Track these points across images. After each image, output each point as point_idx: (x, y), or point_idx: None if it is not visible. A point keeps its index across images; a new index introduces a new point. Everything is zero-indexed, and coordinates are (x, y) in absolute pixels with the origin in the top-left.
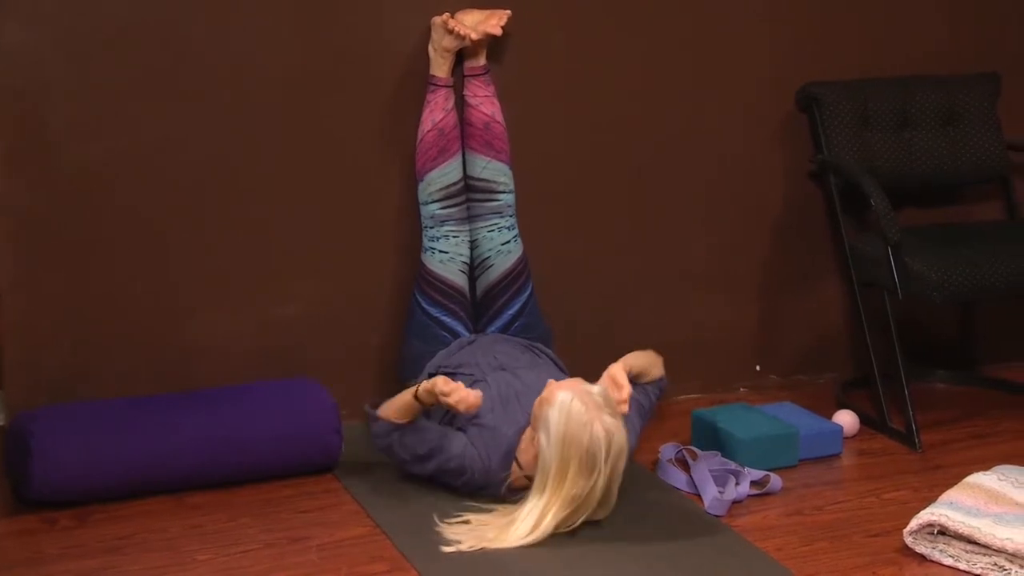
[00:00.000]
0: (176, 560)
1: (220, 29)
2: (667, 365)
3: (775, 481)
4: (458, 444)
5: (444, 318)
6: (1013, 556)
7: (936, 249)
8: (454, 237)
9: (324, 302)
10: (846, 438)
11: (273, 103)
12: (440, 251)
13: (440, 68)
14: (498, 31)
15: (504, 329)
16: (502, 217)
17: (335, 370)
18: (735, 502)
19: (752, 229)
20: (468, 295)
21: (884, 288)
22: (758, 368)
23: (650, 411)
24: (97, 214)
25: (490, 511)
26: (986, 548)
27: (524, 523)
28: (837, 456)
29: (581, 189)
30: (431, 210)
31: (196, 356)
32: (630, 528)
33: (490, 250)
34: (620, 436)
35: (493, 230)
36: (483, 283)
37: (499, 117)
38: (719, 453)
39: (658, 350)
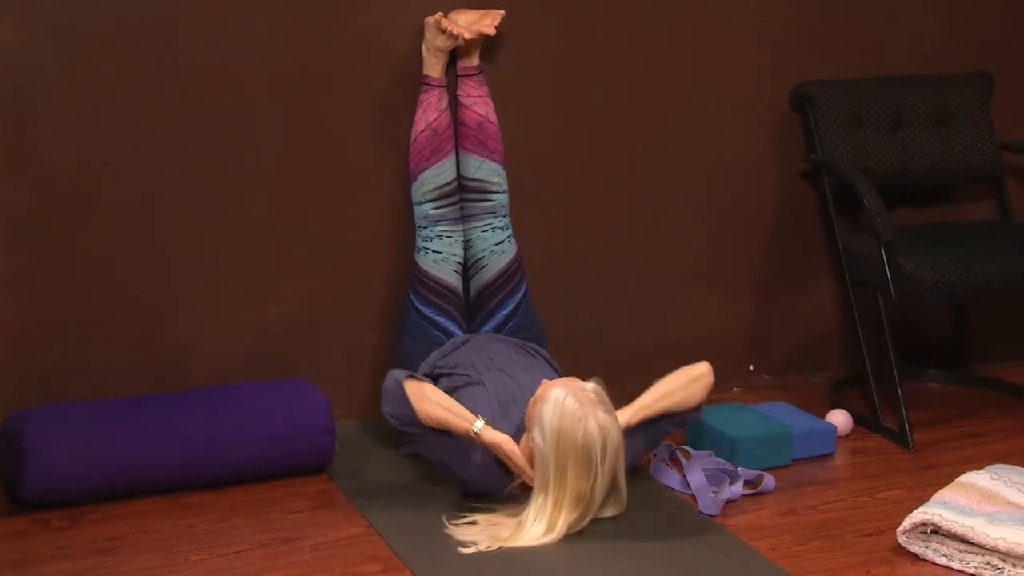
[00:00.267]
0: (169, 561)
1: (212, 29)
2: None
3: (768, 481)
4: (473, 461)
5: (438, 318)
6: (1006, 555)
7: (929, 249)
8: (448, 237)
9: (317, 302)
10: (839, 438)
11: (266, 103)
12: (434, 251)
13: (433, 68)
14: (492, 31)
15: (498, 329)
16: (496, 217)
17: (328, 370)
18: (729, 502)
19: (745, 229)
20: (462, 295)
21: (877, 288)
22: (752, 368)
23: (658, 440)
24: (89, 213)
25: (495, 511)
26: (979, 547)
27: (537, 524)
28: (830, 456)
29: (575, 189)
30: (425, 210)
31: (189, 356)
32: (624, 527)
33: (484, 250)
34: (615, 432)
35: (487, 230)
36: (477, 283)
37: (493, 117)
38: (713, 453)
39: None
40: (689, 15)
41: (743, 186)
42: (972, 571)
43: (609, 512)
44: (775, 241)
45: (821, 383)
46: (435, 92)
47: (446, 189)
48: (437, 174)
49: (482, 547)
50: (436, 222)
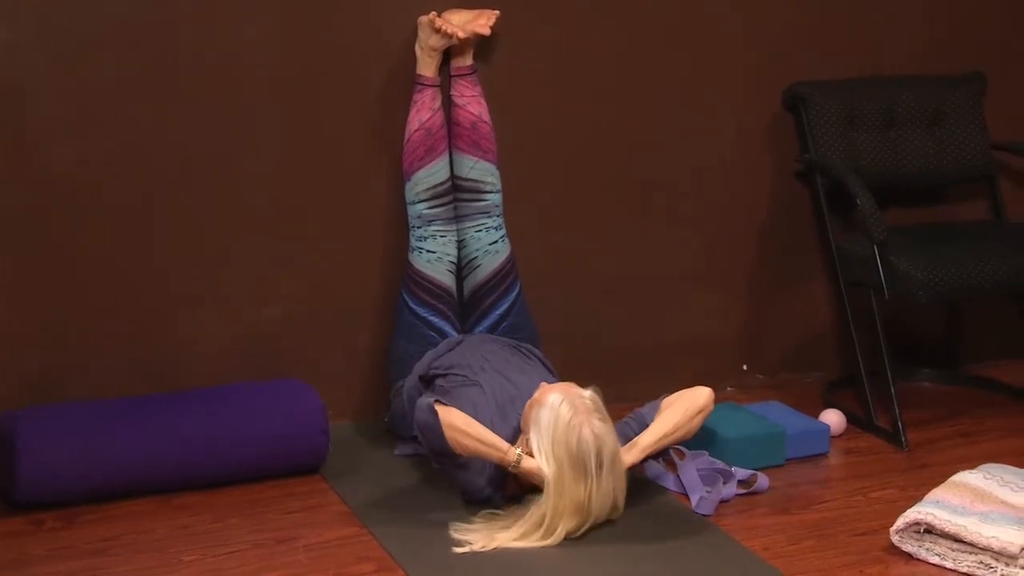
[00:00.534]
0: (163, 561)
1: (204, 29)
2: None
3: (762, 480)
4: (473, 485)
5: (432, 318)
6: (999, 555)
7: (922, 248)
8: (441, 237)
9: (311, 302)
10: (833, 437)
11: (260, 103)
12: (427, 251)
13: (427, 67)
14: (486, 31)
15: (492, 329)
16: (489, 217)
17: (322, 371)
18: (723, 501)
19: (738, 229)
20: (456, 295)
21: (870, 287)
22: (745, 368)
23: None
24: (82, 214)
25: (496, 515)
26: (972, 547)
27: (535, 529)
28: (824, 455)
29: (569, 189)
30: (418, 210)
31: (183, 356)
32: (618, 527)
33: (477, 250)
34: (611, 440)
35: (481, 230)
36: (471, 283)
37: (486, 117)
38: (706, 452)
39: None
40: (683, 15)
41: (736, 186)
42: (965, 570)
43: (612, 516)
44: (768, 241)
45: (814, 383)
46: (429, 92)
47: (440, 189)
48: (431, 174)
49: (476, 547)
50: (430, 222)
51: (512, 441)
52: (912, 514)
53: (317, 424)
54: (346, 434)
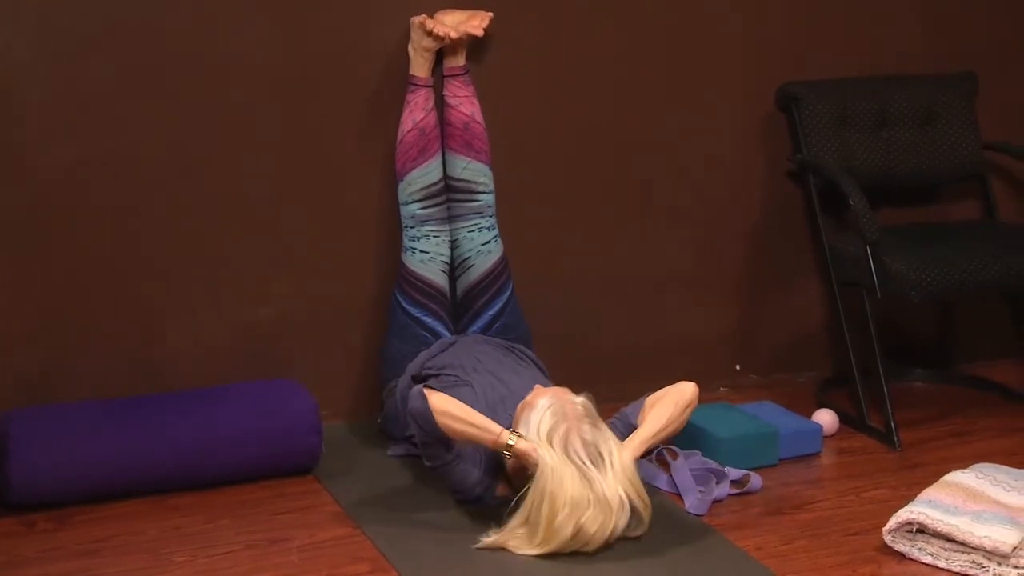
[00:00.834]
0: (155, 562)
1: (196, 30)
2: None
3: (755, 480)
4: (471, 477)
5: (425, 318)
6: (991, 554)
7: (914, 248)
8: (435, 237)
9: (304, 302)
10: (826, 437)
11: (252, 104)
12: (421, 251)
13: (420, 68)
14: (479, 32)
15: (485, 329)
16: (482, 217)
17: (315, 371)
18: (716, 501)
19: (731, 229)
20: (449, 295)
21: (863, 287)
22: (738, 367)
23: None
24: (74, 214)
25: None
26: (964, 546)
27: (536, 534)
28: (817, 455)
29: (562, 189)
30: (412, 210)
31: (175, 357)
32: None
33: (470, 250)
34: (604, 442)
35: (473, 230)
36: (463, 283)
37: (479, 117)
38: (699, 452)
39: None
40: (675, 16)
41: (729, 186)
42: (957, 570)
43: (635, 532)
44: (761, 241)
45: (807, 383)
46: (422, 92)
47: (433, 189)
48: (424, 174)
49: (487, 542)
50: (423, 222)
51: None
52: (905, 514)
53: (310, 424)
54: (339, 434)
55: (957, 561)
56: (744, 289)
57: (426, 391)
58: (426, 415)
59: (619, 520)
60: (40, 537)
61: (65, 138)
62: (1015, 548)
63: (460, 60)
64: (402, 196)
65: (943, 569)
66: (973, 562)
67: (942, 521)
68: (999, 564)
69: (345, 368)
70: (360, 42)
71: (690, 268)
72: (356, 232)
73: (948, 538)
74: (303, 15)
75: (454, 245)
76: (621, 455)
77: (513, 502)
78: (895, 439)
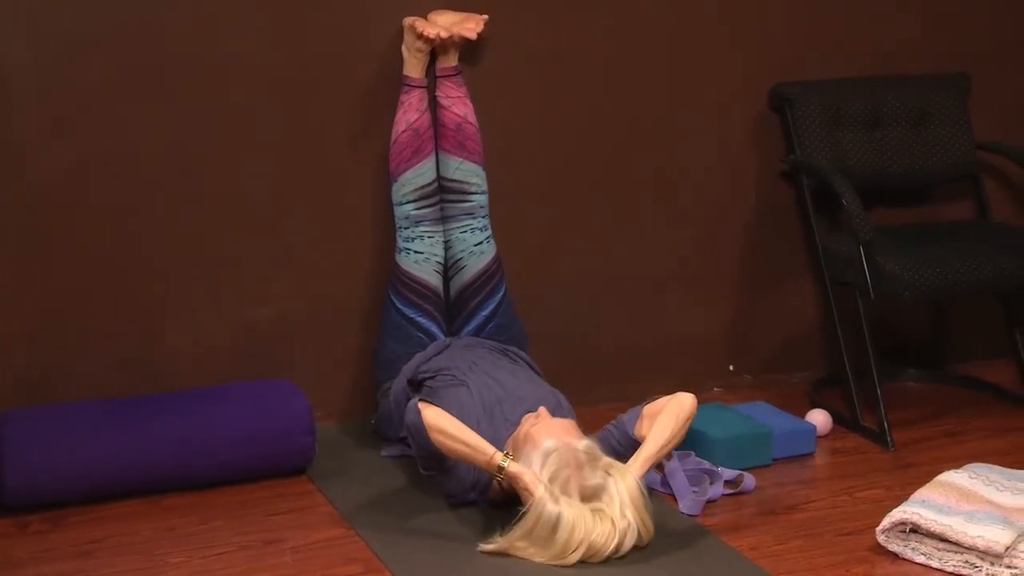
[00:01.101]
0: (149, 563)
1: (196, 30)
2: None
3: (749, 480)
4: (465, 482)
5: (419, 319)
6: (984, 554)
7: (907, 248)
8: (429, 237)
9: (299, 303)
10: (819, 437)
11: (247, 104)
12: (415, 252)
13: (414, 68)
14: (472, 35)
15: (479, 330)
16: (475, 218)
17: (309, 371)
18: (709, 502)
19: (725, 229)
20: (443, 296)
21: (856, 287)
22: (731, 368)
23: None
24: (74, 214)
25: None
26: (957, 546)
27: (542, 553)
28: (810, 455)
29: (555, 190)
30: (406, 211)
31: (170, 357)
32: None
33: (463, 251)
34: (606, 494)
35: (466, 231)
36: (456, 284)
37: (472, 118)
38: (693, 453)
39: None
40: (667, 17)
41: (722, 186)
42: (951, 570)
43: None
44: (754, 241)
45: (801, 383)
46: (416, 93)
47: (427, 190)
48: (418, 175)
49: (491, 548)
50: (417, 223)
51: (498, 444)
52: (898, 514)
53: (304, 425)
54: (333, 435)
55: (950, 561)
56: (737, 289)
57: (421, 405)
58: (420, 430)
59: (626, 540)
60: (34, 538)
61: (65, 138)
62: (1008, 548)
63: (452, 61)
64: (396, 197)
65: (936, 569)
66: (966, 562)
67: (935, 521)
68: (992, 564)
69: (339, 369)
70: (354, 43)
71: (683, 269)
72: (350, 233)
73: (941, 538)
74: (302, 15)
75: (447, 246)
76: (626, 480)
77: (514, 520)
78: (888, 439)
